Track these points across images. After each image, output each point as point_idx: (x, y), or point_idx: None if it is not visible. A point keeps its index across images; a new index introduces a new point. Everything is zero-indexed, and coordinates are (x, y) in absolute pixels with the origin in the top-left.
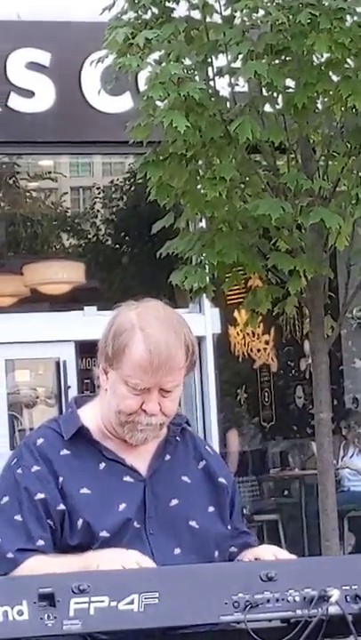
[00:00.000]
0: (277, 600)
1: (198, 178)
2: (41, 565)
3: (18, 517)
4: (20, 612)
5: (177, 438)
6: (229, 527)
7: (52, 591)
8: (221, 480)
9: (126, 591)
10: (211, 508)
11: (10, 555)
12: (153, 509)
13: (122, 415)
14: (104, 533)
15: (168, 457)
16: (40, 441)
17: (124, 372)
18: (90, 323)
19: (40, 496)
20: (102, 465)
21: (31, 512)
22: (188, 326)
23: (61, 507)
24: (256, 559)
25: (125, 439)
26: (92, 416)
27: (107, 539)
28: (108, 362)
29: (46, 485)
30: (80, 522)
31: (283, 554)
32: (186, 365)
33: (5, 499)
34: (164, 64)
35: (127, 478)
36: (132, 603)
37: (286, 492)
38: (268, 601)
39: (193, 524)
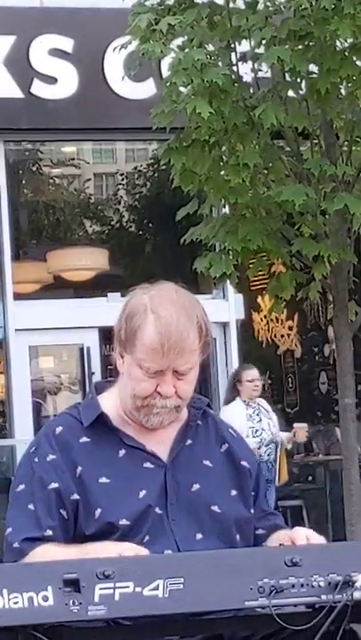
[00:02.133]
0: (302, 585)
1: (222, 164)
2: (44, 556)
3: (30, 506)
4: (45, 598)
5: (198, 422)
6: (252, 510)
7: (76, 577)
8: (244, 463)
9: (151, 577)
10: (233, 492)
11: (16, 544)
12: (174, 495)
13: (137, 399)
14: (124, 522)
15: (189, 441)
16: (59, 429)
17: (137, 356)
18: (113, 309)
19: (53, 485)
20: (122, 452)
21: (43, 502)
22: (201, 308)
23: (75, 496)
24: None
25: (143, 423)
26: (111, 402)
27: (127, 527)
28: (123, 346)
29: (61, 475)
30: (98, 512)
31: (316, 538)
32: (199, 347)
33: (21, 487)
34: (187, 50)
35: (147, 464)
36: (156, 588)
37: (311, 478)
38: (293, 586)
39: (215, 508)
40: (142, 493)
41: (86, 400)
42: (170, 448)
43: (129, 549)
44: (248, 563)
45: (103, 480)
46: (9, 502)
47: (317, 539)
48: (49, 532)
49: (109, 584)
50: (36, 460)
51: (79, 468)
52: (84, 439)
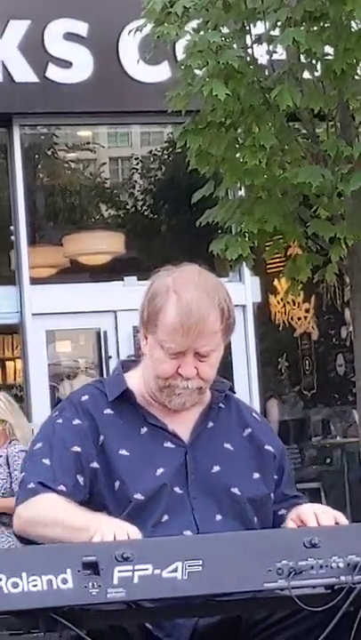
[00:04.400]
0: (321, 567)
1: (238, 146)
2: (53, 503)
3: (46, 461)
4: (65, 581)
5: (220, 405)
6: (272, 494)
7: (95, 560)
8: (268, 447)
9: (170, 559)
10: (256, 475)
11: (31, 485)
12: (194, 475)
13: (159, 380)
14: (138, 496)
15: (211, 424)
16: (85, 397)
17: (158, 337)
18: (130, 293)
19: (75, 449)
20: (144, 429)
21: (61, 459)
22: (225, 290)
23: (95, 464)
24: (301, 523)
25: (165, 405)
26: (135, 381)
27: (141, 502)
28: (145, 327)
29: (84, 441)
30: (117, 484)
31: (322, 510)
32: (221, 329)
33: (39, 444)
34: (202, 32)
35: (168, 444)
36: (175, 570)
37: (328, 460)
38: (312, 567)
39: (235, 490)
40: (160, 471)
41: (112, 376)
42: (191, 429)
43: (125, 530)
44: (267, 544)
45: (123, 452)
46: (25, 459)
47: (325, 511)
48: (62, 488)
49: (128, 566)
50: (60, 421)
51: (102, 437)
52: (108, 411)
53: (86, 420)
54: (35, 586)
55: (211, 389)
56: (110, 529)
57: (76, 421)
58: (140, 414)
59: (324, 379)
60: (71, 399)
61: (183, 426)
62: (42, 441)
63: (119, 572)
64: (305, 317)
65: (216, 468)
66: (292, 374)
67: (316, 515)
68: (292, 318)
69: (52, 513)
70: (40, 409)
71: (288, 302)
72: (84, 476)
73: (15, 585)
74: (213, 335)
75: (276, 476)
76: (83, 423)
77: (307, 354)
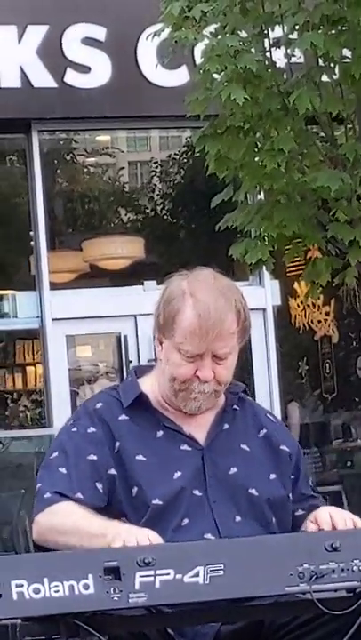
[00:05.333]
0: (343, 570)
1: (256, 150)
2: (70, 511)
3: (62, 470)
4: (86, 586)
5: (235, 407)
6: (290, 495)
7: (117, 565)
8: (283, 448)
9: (191, 564)
10: (272, 476)
11: (47, 495)
12: (213, 477)
13: (176, 383)
14: (157, 501)
15: (226, 426)
16: (99, 405)
17: (175, 340)
18: (150, 297)
19: (92, 457)
20: (160, 433)
21: (78, 468)
22: (240, 293)
23: (112, 471)
24: (318, 528)
25: (181, 409)
26: (150, 386)
27: (160, 507)
28: (161, 331)
29: (100, 448)
30: (135, 490)
31: (338, 513)
32: (237, 330)
33: (55, 454)
34: (220, 37)
35: (184, 447)
36: (197, 575)
37: (349, 464)
38: (334, 571)
39: (252, 491)
40: (177, 475)
41: (126, 382)
42: (207, 432)
43: (145, 535)
44: (288, 548)
45: (140, 458)
46: (40, 469)
47: (340, 514)
48: (79, 495)
49: (150, 571)
50: (75, 429)
51: (118, 444)
52: (124, 417)
53: (101, 428)
54: (56, 591)
55: (225, 392)
56: (132, 534)
57: (91, 429)
58: (156, 418)
59: (345, 382)
60: (85, 407)
61: (199, 428)
62: (57, 450)
63: (141, 576)
64: (325, 320)
65: (233, 470)
66: (312, 378)
67: (331, 516)
68: (312, 321)
69: (70, 520)
70: (61, 414)
71: (308, 305)
72: (103, 483)
73: (37, 591)
74: (231, 337)
75: (292, 476)
76: (98, 431)
77: (327, 357)
